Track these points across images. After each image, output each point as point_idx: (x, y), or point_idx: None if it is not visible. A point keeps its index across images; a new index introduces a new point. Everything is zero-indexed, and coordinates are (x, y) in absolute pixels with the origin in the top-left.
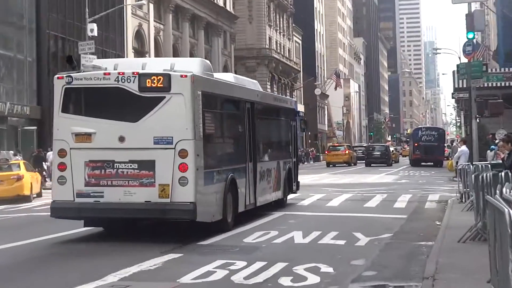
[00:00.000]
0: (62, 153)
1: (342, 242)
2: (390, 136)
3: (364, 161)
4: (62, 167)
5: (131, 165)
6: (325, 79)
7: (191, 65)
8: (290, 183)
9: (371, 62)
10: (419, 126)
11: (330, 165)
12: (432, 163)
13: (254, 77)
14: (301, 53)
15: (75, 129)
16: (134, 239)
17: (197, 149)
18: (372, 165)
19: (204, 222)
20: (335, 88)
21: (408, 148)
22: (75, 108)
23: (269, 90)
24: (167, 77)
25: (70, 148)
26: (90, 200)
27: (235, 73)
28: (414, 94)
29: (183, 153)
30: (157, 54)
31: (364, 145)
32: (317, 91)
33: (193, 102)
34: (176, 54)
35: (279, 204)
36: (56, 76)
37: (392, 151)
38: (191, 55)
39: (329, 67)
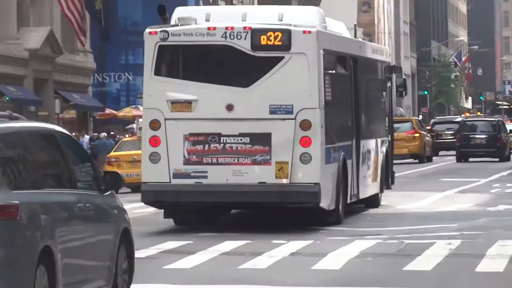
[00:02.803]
0: (154, 124)
1: None
2: (470, 98)
3: (455, 152)
4: (154, 141)
5: (241, 139)
6: None
7: (306, 16)
8: (387, 173)
9: None
10: None
11: None
12: None
13: None
14: None
15: (172, 96)
16: None
17: (321, 119)
18: (470, 159)
19: (323, 209)
20: None
21: None
22: (171, 70)
23: None
24: (286, 33)
25: (165, 119)
26: (190, 181)
27: None
28: None
29: (305, 125)
30: None
31: (458, 119)
32: None
33: (317, 64)
34: None
35: (371, 203)
36: (148, 30)
37: (510, 131)
38: None
39: None
